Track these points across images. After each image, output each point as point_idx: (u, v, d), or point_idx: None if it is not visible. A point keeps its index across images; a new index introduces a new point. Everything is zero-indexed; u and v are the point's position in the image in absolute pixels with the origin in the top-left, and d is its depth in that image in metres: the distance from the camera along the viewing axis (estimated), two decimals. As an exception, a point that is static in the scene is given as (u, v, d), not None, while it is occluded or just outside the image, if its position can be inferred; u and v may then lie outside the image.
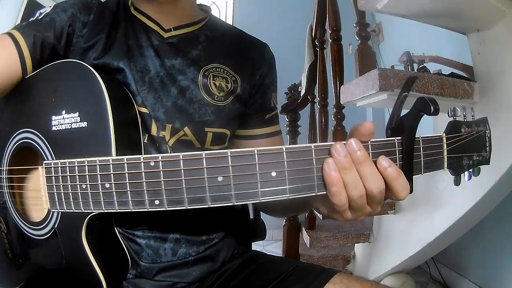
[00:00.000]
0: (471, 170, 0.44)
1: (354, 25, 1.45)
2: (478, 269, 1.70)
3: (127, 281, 0.59)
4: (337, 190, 0.37)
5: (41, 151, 0.51)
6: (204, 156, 0.37)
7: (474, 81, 1.09)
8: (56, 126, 0.49)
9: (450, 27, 1.14)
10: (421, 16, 1.11)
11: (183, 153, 0.38)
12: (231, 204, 0.38)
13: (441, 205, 1.23)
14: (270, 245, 2.63)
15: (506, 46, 0.99)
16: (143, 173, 0.39)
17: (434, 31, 1.37)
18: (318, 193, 0.38)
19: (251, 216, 0.78)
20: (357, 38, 1.44)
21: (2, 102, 0.58)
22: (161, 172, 0.39)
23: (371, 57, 1.40)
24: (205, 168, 0.38)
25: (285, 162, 0.37)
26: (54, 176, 0.46)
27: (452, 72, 1.21)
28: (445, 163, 0.42)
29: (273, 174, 0.37)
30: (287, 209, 0.66)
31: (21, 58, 0.54)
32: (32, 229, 0.54)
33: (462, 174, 0.44)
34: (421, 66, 1.45)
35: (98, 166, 0.42)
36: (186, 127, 0.59)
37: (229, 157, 0.37)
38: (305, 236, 1.64)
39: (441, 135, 0.42)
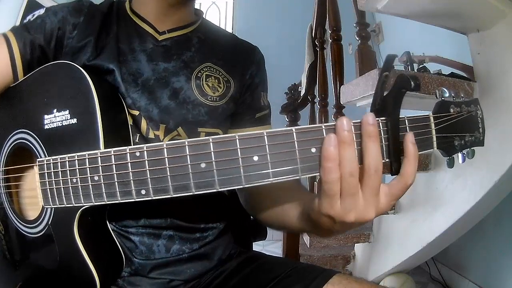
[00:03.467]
0: (464, 152, 0.43)
1: (354, 25, 1.45)
2: (478, 269, 1.70)
3: (122, 279, 0.59)
4: (331, 167, 0.36)
5: (35, 149, 0.52)
6: (186, 143, 0.38)
7: (474, 81, 1.09)
8: (48, 124, 0.50)
9: (450, 27, 1.14)
10: (421, 16, 1.11)
11: (167, 142, 0.39)
12: (215, 190, 0.38)
13: (441, 205, 1.23)
14: (270, 245, 2.63)
15: (506, 46, 0.99)
16: (129, 163, 0.40)
17: (434, 31, 1.37)
18: (301, 176, 0.38)
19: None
20: (357, 38, 1.44)
21: None
22: (146, 161, 0.39)
23: (371, 57, 1.41)
24: (188, 155, 0.38)
25: (267, 146, 0.37)
26: (47, 172, 0.47)
27: (452, 72, 1.21)
28: (435, 143, 0.41)
29: (255, 158, 0.37)
30: (285, 223, 0.58)
31: (11, 59, 0.56)
32: (27, 227, 0.54)
33: (456, 156, 0.43)
34: (421, 66, 1.45)
35: (87, 159, 0.43)
36: (179, 127, 0.60)
37: (211, 143, 0.37)
38: (305, 236, 1.64)
39: (428, 115, 0.41)
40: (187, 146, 0.38)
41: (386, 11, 1.06)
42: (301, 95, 2.05)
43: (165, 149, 0.39)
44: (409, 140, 0.38)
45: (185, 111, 0.60)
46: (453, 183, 1.18)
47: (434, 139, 0.41)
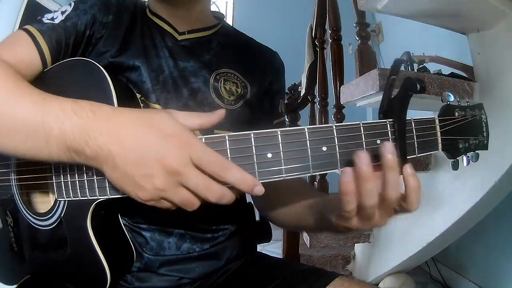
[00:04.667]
0: (468, 155, 0.44)
1: (354, 25, 1.45)
2: (478, 269, 1.70)
3: (132, 275, 0.59)
4: (349, 200, 0.39)
5: None
6: (204, 141, 0.39)
7: (474, 81, 1.09)
8: None
9: (450, 27, 1.14)
10: (421, 16, 1.11)
11: None
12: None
13: (441, 205, 1.23)
14: (270, 245, 2.62)
15: (506, 46, 0.99)
16: None
17: (434, 31, 1.37)
18: (312, 173, 0.39)
19: (257, 218, 0.78)
20: (357, 38, 1.44)
21: None
22: None
23: (371, 57, 1.41)
24: None
25: (280, 144, 0.39)
26: (62, 166, 0.47)
27: (452, 72, 1.21)
28: (439, 145, 0.43)
29: (269, 155, 0.38)
30: (304, 227, 0.64)
31: (42, 59, 0.54)
32: (39, 220, 0.54)
33: (460, 158, 0.44)
34: (421, 66, 1.45)
35: None
36: None
37: (227, 140, 0.39)
38: (305, 236, 1.64)
39: (434, 117, 0.42)
40: (204, 143, 0.39)
41: (386, 11, 1.06)
42: (301, 95, 2.05)
43: None
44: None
45: (202, 112, 0.61)
46: (453, 184, 1.18)
47: (439, 140, 0.43)
